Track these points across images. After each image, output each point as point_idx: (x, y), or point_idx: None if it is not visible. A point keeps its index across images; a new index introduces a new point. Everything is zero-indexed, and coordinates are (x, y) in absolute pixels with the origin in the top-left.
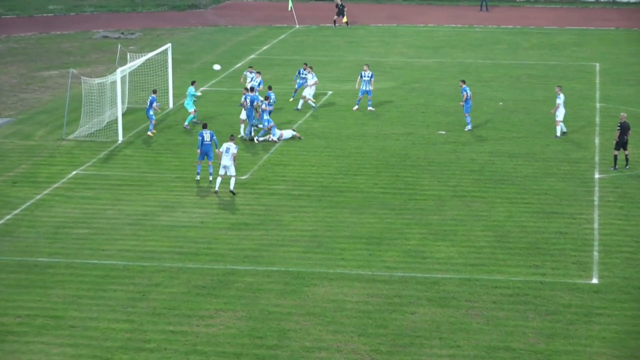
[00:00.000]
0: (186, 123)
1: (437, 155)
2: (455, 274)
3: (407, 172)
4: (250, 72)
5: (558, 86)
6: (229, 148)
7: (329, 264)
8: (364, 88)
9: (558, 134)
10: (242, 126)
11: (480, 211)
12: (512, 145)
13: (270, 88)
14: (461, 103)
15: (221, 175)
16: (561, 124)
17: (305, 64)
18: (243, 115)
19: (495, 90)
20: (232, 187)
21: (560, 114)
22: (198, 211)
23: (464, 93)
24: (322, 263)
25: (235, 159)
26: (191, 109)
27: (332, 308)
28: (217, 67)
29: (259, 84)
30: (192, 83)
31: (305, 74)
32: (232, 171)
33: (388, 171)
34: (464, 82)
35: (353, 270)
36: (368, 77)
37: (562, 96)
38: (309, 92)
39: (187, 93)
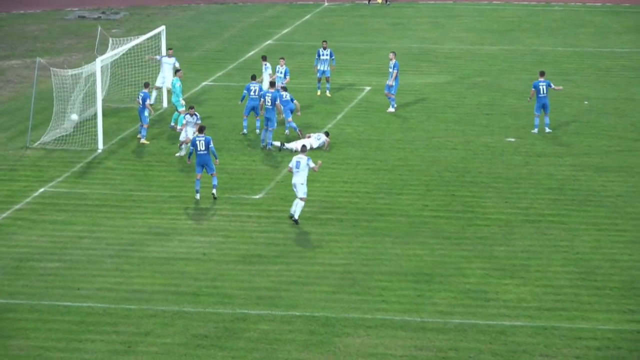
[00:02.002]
0: (179, 126)
1: (504, 169)
2: (528, 320)
3: (466, 191)
4: (170, 56)
5: None
6: (299, 162)
7: (365, 308)
8: (388, 83)
9: None
10: (183, 147)
11: (560, 240)
12: (600, 157)
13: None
14: (529, 99)
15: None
16: None
17: (325, 42)
18: (189, 132)
19: (579, 86)
20: (297, 214)
21: None
22: (199, 239)
23: (533, 89)
24: (357, 306)
25: (315, 169)
26: (181, 107)
27: None
28: (74, 117)
29: (285, 75)
30: (177, 72)
31: (326, 55)
32: (301, 191)
33: (441, 189)
34: (542, 74)
35: (397, 315)
36: (391, 68)
37: None
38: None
39: (172, 86)
